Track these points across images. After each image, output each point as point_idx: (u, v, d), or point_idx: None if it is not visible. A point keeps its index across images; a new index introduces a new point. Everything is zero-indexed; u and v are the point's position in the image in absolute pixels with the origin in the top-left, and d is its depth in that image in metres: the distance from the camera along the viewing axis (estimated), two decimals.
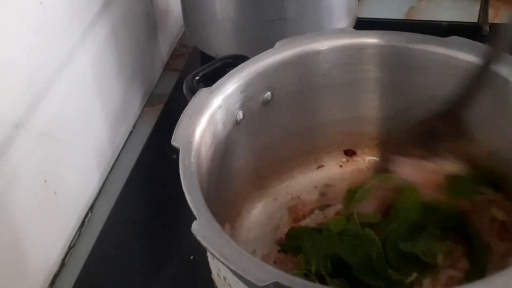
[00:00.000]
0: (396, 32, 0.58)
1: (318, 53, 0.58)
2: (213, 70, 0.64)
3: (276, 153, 0.61)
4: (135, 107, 0.80)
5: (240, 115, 0.56)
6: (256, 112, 0.57)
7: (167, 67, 0.89)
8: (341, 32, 0.60)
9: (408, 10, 0.93)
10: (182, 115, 0.51)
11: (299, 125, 0.61)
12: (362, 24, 0.80)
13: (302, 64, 0.58)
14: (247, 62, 0.56)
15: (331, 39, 0.59)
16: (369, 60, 0.59)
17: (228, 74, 0.55)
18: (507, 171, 0.55)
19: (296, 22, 0.73)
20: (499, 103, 0.54)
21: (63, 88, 0.63)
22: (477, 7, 0.87)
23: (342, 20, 0.77)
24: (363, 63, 0.59)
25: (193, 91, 0.56)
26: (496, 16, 0.90)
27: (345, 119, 0.62)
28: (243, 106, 0.55)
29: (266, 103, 0.58)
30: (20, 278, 0.58)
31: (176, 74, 0.86)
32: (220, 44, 0.77)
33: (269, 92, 0.57)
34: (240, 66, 0.56)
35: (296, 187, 0.63)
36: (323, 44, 0.58)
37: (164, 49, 0.88)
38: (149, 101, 0.83)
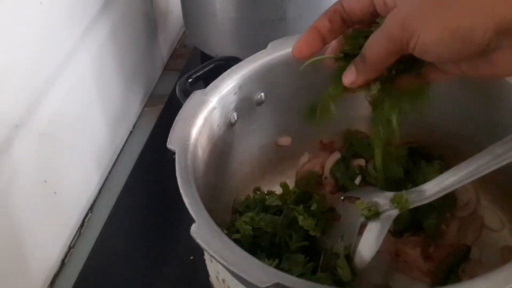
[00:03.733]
0: None
1: None
2: (206, 72, 0.64)
3: (271, 153, 0.61)
4: (135, 107, 0.80)
5: (234, 116, 0.56)
6: (249, 113, 0.57)
7: (167, 67, 0.89)
8: None
9: None
10: (177, 117, 0.51)
11: (292, 125, 0.61)
12: None
13: (295, 65, 0.58)
14: (240, 63, 0.56)
15: None
16: None
17: (222, 76, 0.55)
18: None
19: (296, 22, 0.73)
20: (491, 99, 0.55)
21: (63, 88, 0.63)
22: None
23: None
24: None
25: (186, 94, 0.56)
26: None
27: (338, 118, 0.62)
28: (237, 108, 0.56)
29: (259, 104, 0.58)
30: (20, 278, 0.58)
31: (176, 74, 0.86)
32: (220, 44, 0.77)
33: (262, 93, 0.57)
34: (233, 67, 0.56)
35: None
36: None
37: (164, 49, 0.88)
38: (149, 101, 0.83)
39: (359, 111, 0.62)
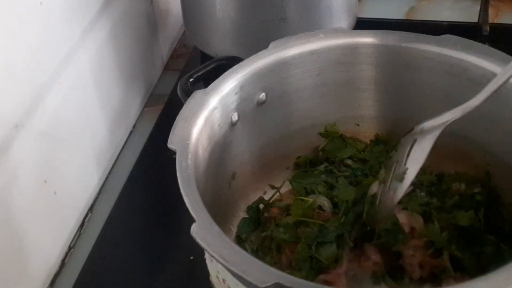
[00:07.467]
0: (390, 31, 0.58)
1: (312, 53, 0.58)
2: (207, 72, 0.64)
3: (272, 154, 0.61)
4: (135, 107, 0.80)
5: (235, 116, 0.56)
6: (251, 113, 0.57)
7: (167, 67, 0.89)
8: (334, 32, 0.60)
9: (408, 10, 0.93)
10: (178, 117, 0.51)
11: (294, 125, 0.61)
12: (362, 24, 0.80)
13: (296, 65, 0.58)
14: (241, 63, 0.56)
15: (324, 39, 0.58)
16: (363, 59, 0.59)
17: (223, 75, 0.55)
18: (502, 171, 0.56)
19: (296, 22, 0.73)
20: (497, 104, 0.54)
21: (63, 88, 0.63)
22: (477, 7, 0.87)
23: (342, 20, 0.77)
24: (357, 63, 0.59)
25: (187, 93, 0.56)
26: (496, 16, 0.90)
27: (339, 119, 0.62)
28: (238, 107, 0.56)
29: (260, 104, 0.58)
30: (20, 278, 0.58)
31: (176, 74, 0.86)
32: (220, 44, 0.77)
33: (263, 93, 0.57)
34: (234, 67, 0.56)
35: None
36: (317, 44, 0.58)
37: (164, 49, 0.88)
38: (149, 101, 0.83)
39: (360, 111, 0.62)
